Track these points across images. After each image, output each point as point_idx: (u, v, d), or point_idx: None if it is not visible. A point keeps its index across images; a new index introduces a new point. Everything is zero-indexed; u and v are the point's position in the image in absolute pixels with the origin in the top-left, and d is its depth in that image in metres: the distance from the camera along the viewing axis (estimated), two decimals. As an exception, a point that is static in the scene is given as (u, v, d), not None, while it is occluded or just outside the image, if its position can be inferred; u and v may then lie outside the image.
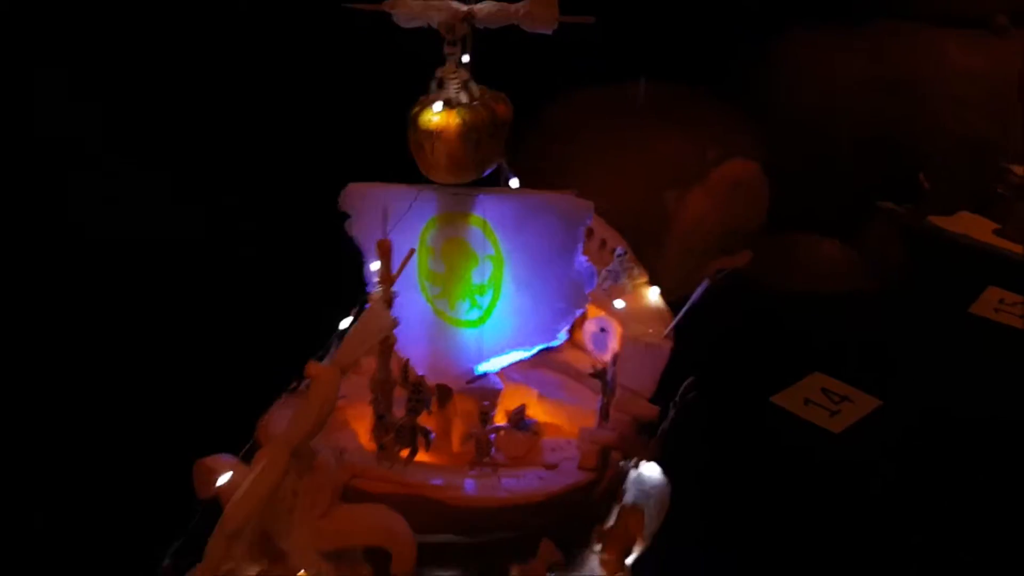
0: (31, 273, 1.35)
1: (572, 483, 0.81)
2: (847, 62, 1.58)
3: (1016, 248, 1.77)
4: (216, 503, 0.70)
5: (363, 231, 0.86)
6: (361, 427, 0.86)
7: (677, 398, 0.94)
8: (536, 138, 1.40)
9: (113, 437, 1.12)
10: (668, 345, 0.99)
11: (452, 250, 0.84)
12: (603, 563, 0.91)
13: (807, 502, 1.12)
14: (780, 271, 1.58)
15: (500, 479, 0.79)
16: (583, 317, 1.06)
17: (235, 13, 1.32)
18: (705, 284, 0.99)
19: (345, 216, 0.86)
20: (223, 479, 0.67)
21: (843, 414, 1.29)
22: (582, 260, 0.83)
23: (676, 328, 1.16)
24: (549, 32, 0.76)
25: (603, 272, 1.04)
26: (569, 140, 1.36)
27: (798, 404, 1.31)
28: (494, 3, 0.75)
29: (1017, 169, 1.79)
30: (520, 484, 0.79)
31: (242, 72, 1.34)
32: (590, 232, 1.06)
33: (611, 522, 0.93)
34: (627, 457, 0.90)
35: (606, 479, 0.86)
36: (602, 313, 1.05)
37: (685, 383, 0.95)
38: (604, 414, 0.92)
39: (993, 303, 1.59)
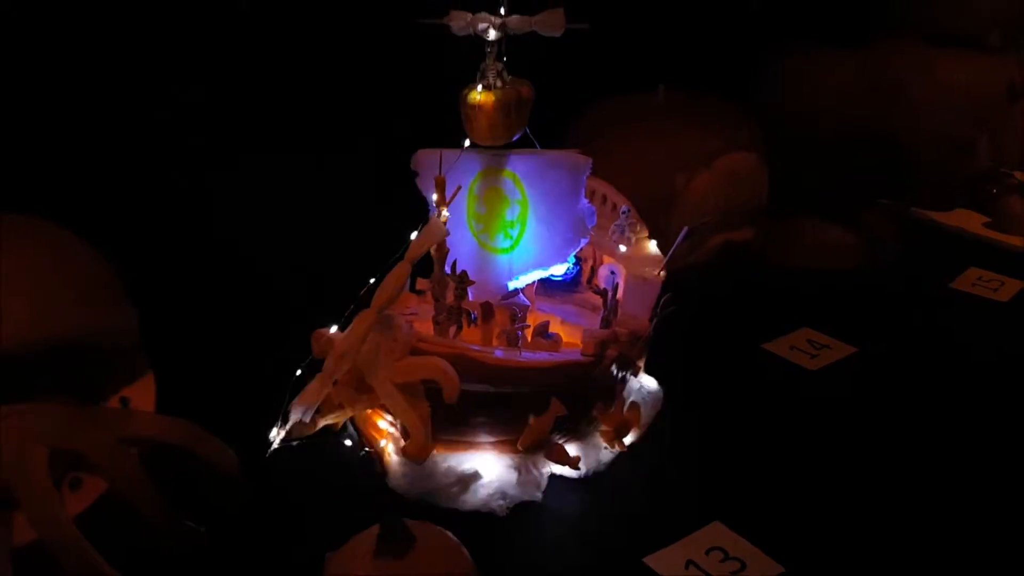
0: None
1: (574, 360, 1.11)
2: (839, 72, 1.86)
3: (1003, 238, 2.02)
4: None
5: (427, 185, 1.17)
6: (425, 328, 1.18)
7: (657, 310, 1.23)
8: (580, 133, 1.71)
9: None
10: (659, 279, 1.28)
11: (491, 196, 1.15)
12: (602, 434, 1.21)
13: (778, 421, 1.34)
14: (785, 249, 1.85)
15: (521, 351, 1.10)
16: (600, 263, 1.37)
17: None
18: (685, 230, 1.28)
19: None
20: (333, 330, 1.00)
21: (820, 357, 1.54)
22: (584, 202, 1.14)
23: (683, 288, 1.46)
24: (558, 35, 1.07)
25: (612, 227, 1.36)
26: (602, 135, 1.66)
27: (784, 349, 1.55)
28: (519, 17, 1.08)
29: (1018, 174, 2.03)
30: (535, 356, 1.09)
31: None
32: (603, 197, 1.37)
33: (612, 407, 1.23)
34: (623, 357, 1.20)
35: (604, 365, 1.15)
36: (612, 260, 1.36)
37: (663, 299, 1.24)
38: (605, 323, 1.22)
39: (972, 279, 1.84)
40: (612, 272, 1.34)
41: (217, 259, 1.40)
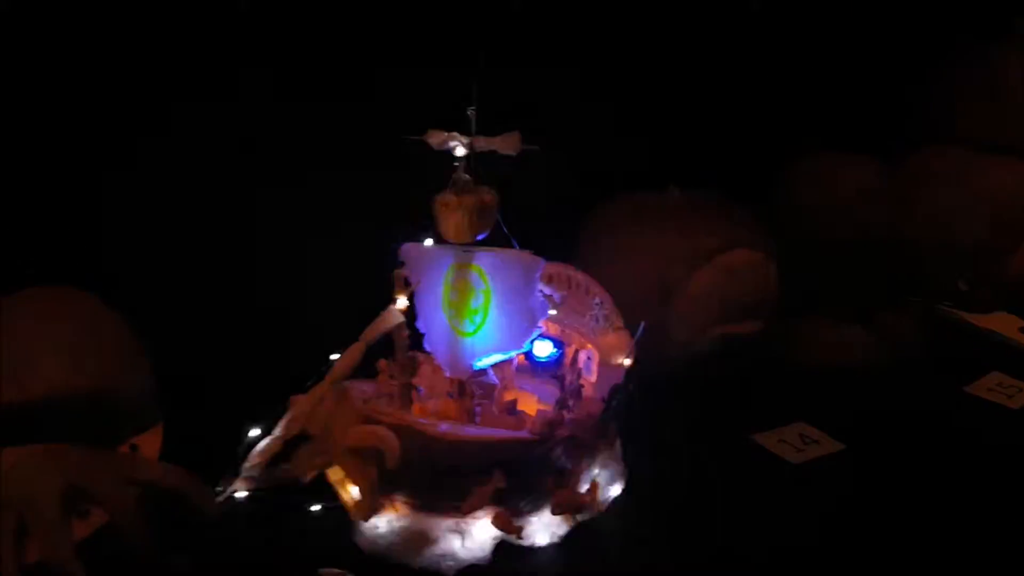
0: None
1: (517, 437, 1.24)
2: (857, 176, 1.93)
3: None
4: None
5: (411, 272, 1.34)
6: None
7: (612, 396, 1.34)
8: (588, 229, 1.86)
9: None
10: (623, 367, 1.39)
11: (461, 286, 1.30)
12: (552, 508, 1.32)
13: (744, 509, 1.40)
14: (794, 345, 1.91)
15: (466, 427, 1.24)
16: (580, 348, 1.50)
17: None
18: (642, 325, 1.39)
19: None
20: None
21: (805, 452, 1.58)
22: (537, 296, 1.28)
23: (682, 379, 1.57)
24: (514, 155, 1.23)
25: (588, 316, 1.49)
26: (607, 231, 1.80)
27: (772, 442, 1.61)
28: (483, 137, 1.24)
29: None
30: (478, 431, 1.23)
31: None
32: (585, 288, 1.51)
33: (567, 481, 1.34)
34: (574, 438, 1.30)
35: (552, 444, 1.26)
36: (589, 346, 1.49)
37: (615, 386, 1.35)
38: (560, 405, 1.34)
39: (990, 384, 1.84)
40: (589, 358, 1.46)
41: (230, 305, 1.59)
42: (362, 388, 1.25)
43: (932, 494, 1.46)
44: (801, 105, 1.97)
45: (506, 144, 1.23)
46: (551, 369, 1.49)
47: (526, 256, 1.27)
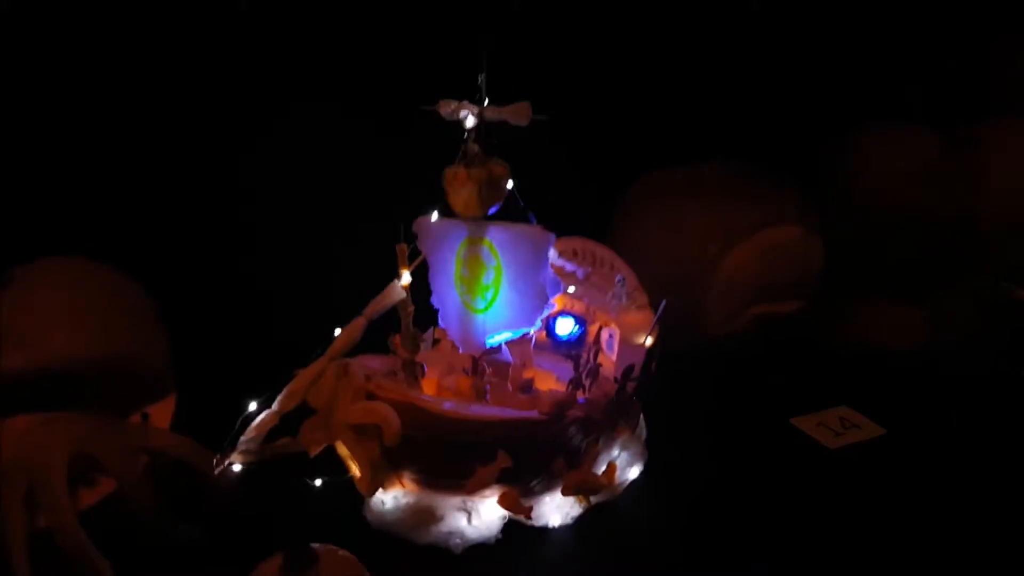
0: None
1: (523, 417, 1.20)
2: (915, 149, 1.82)
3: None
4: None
5: (425, 246, 1.32)
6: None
7: (627, 377, 1.29)
8: (626, 204, 1.80)
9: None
10: (644, 347, 1.34)
11: (473, 261, 1.27)
12: (563, 489, 1.28)
13: (776, 493, 1.36)
14: (842, 326, 1.83)
15: (472, 406, 1.21)
16: (603, 326, 1.45)
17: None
18: (664, 303, 1.34)
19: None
20: None
21: (844, 436, 1.51)
22: (549, 272, 1.24)
23: (719, 359, 1.52)
24: (525, 125, 1.19)
25: (609, 294, 1.44)
26: (645, 206, 1.74)
27: (811, 425, 1.54)
28: (493, 107, 1.20)
29: None
30: (483, 410, 1.20)
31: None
32: (610, 265, 1.46)
33: (580, 462, 1.30)
34: (589, 419, 1.26)
35: (564, 425, 1.23)
36: (612, 324, 1.44)
37: (631, 366, 1.30)
38: (574, 384, 1.31)
39: (1050, 372, 1.73)
40: (611, 336, 1.42)
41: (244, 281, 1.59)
42: (370, 364, 1.23)
43: (972, 485, 1.37)
44: (858, 74, 1.87)
45: (516, 114, 1.19)
46: (572, 347, 1.45)
47: (537, 231, 1.23)
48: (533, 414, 1.20)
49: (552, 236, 1.22)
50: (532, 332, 1.36)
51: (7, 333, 1.15)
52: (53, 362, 1.16)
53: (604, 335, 1.43)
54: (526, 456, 1.21)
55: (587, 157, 1.79)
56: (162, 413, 1.25)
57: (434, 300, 1.33)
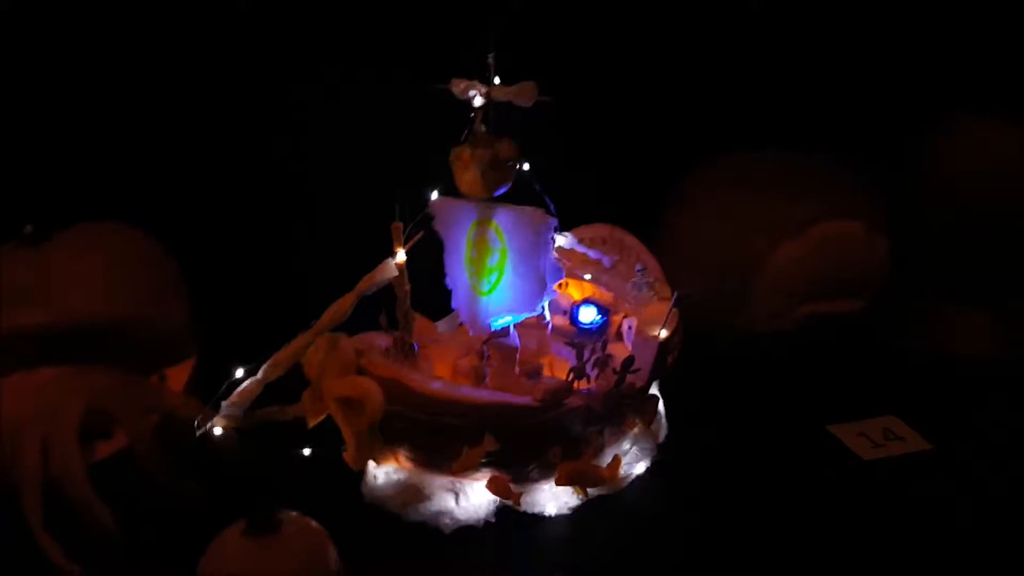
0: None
1: (511, 402, 1.19)
2: (1004, 144, 1.67)
3: None
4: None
5: (440, 226, 1.32)
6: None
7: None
8: (682, 189, 1.74)
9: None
10: (657, 341, 1.30)
11: (481, 244, 1.27)
12: (557, 479, 1.26)
13: (789, 501, 1.29)
14: (908, 329, 1.71)
15: (461, 387, 1.20)
16: (624, 317, 1.42)
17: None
18: (675, 295, 1.29)
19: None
20: None
21: (882, 449, 1.40)
22: (550, 259, 1.22)
23: (762, 359, 1.46)
24: (528, 105, 1.17)
25: (629, 284, 1.40)
26: (694, 196, 1.69)
27: (850, 435, 1.44)
28: (501, 87, 1.19)
29: None
30: (472, 392, 1.19)
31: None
32: (637, 254, 1.42)
33: (579, 453, 1.27)
34: (589, 409, 1.23)
35: (560, 414, 1.20)
36: (631, 315, 1.40)
37: (626, 359, 1.25)
38: (577, 373, 1.27)
39: None
40: (630, 327, 1.38)
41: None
42: (377, 342, 1.25)
43: (1010, 515, 1.26)
44: (939, 65, 1.73)
45: (521, 94, 1.17)
46: (595, 336, 1.42)
47: (538, 214, 1.21)
48: (526, 400, 1.19)
49: (553, 220, 1.20)
50: (548, 318, 1.34)
51: (35, 290, 1.22)
52: (75, 320, 1.23)
53: (623, 325, 1.39)
54: (518, 442, 1.19)
55: (641, 143, 1.75)
56: (179, 376, 1.30)
57: (448, 281, 1.33)
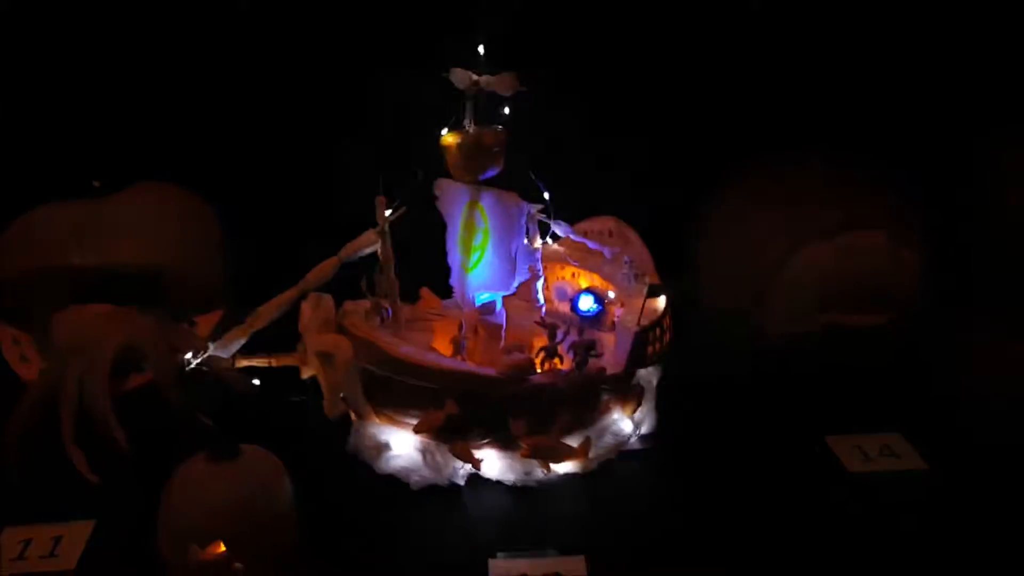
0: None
1: (473, 371, 1.27)
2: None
3: None
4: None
5: (443, 206, 1.41)
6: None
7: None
8: (711, 195, 1.76)
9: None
10: (634, 330, 1.34)
11: (468, 223, 1.36)
12: (523, 450, 1.32)
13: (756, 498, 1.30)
14: (943, 353, 1.65)
15: (427, 353, 1.29)
16: (616, 304, 1.46)
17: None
18: (647, 287, 1.33)
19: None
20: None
21: (872, 463, 1.37)
22: (522, 243, 1.29)
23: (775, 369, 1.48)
24: (509, 95, 1.25)
25: (620, 275, 1.44)
26: (725, 199, 1.70)
27: (845, 446, 1.41)
28: (488, 77, 1.27)
29: None
30: (438, 358, 1.28)
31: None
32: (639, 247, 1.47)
33: (546, 431, 1.33)
34: (555, 388, 1.29)
35: (526, 389, 1.27)
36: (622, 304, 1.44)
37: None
38: (549, 352, 1.34)
39: None
40: (618, 316, 1.43)
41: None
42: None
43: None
44: (1005, 74, 1.66)
45: (502, 84, 1.25)
46: (592, 324, 1.48)
47: (511, 198, 1.29)
48: (488, 371, 1.27)
49: (525, 205, 1.28)
50: (542, 300, 1.42)
51: (90, 237, 1.43)
52: (121, 265, 1.42)
53: (615, 312, 1.44)
54: (482, 411, 1.28)
55: (677, 144, 1.77)
56: (207, 323, 1.47)
57: (449, 259, 1.43)
